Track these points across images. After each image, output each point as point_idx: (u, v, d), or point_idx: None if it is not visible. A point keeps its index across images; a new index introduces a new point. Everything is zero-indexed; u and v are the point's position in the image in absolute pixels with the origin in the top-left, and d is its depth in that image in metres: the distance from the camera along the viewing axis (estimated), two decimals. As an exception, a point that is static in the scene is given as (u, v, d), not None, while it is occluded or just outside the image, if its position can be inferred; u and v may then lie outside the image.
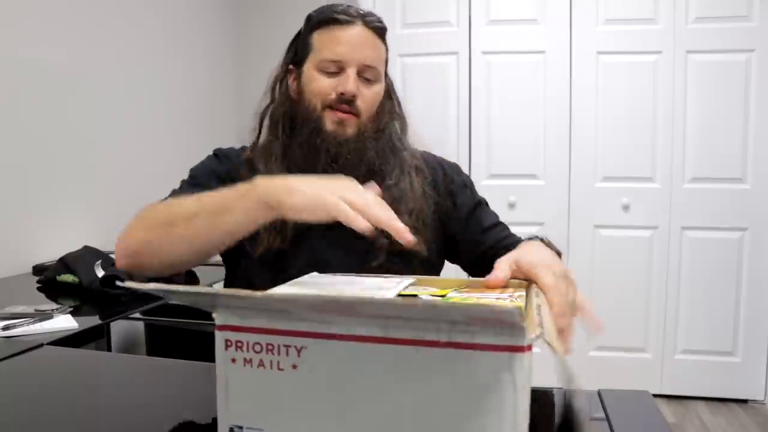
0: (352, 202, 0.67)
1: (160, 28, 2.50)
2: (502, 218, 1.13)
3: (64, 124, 1.99)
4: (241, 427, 0.50)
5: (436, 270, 1.09)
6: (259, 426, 0.50)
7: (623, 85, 2.72)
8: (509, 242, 1.04)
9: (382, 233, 0.98)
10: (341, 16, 1.01)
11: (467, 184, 1.13)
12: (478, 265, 1.05)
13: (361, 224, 0.65)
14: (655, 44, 2.68)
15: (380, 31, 1.04)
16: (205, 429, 0.65)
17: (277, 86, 1.08)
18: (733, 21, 2.61)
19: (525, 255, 0.71)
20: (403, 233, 0.67)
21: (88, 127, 2.10)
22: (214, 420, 0.52)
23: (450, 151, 2.67)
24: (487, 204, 1.13)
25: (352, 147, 1.01)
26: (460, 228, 1.08)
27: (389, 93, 1.10)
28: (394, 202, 1.00)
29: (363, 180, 1.00)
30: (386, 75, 1.09)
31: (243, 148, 1.10)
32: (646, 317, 2.79)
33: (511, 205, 2.79)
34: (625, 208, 2.76)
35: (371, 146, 1.02)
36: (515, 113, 2.82)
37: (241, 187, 0.76)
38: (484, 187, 1.20)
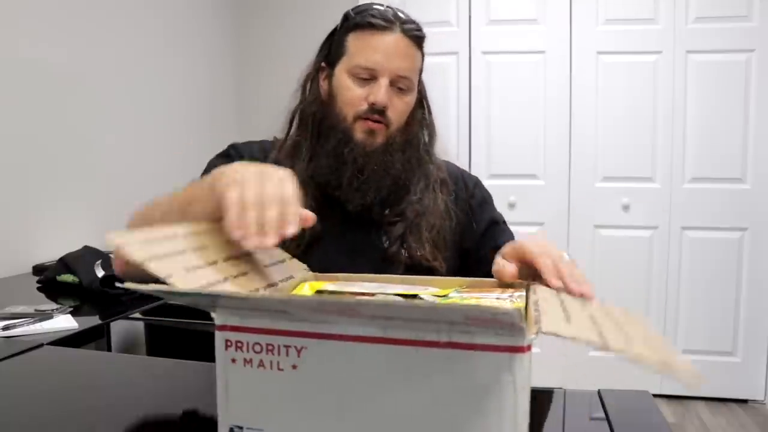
0: (245, 199, 0.60)
1: (160, 28, 2.50)
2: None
3: (64, 124, 1.99)
4: (241, 428, 0.50)
5: None
6: (259, 426, 0.50)
7: (623, 85, 2.72)
8: None
9: (401, 246, 0.98)
10: (378, 21, 0.97)
11: (487, 200, 1.12)
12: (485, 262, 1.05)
13: (235, 234, 0.59)
14: (655, 44, 2.68)
15: (418, 39, 1.01)
16: (205, 429, 0.65)
17: (308, 85, 1.06)
18: (733, 21, 2.61)
19: (520, 241, 0.71)
20: (303, 218, 0.63)
21: (88, 127, 2.09)
22: (214, 420, 0.52)
23: (450, 151, 2.66)
24: (504, 222, 1.11)
25: (379, 159, 0.99)
26: (473, 243, 1.06)
27: (421, 101, 1.08)
28: (417, 216, 1.00)
29: (388, 192, 1.00)
30: (419, 81, 1.07)
31: (262, 142, 1.08)
32: (646, 317, 2.78)
33: (511, 205, 2.79)
34: (625, 208, 2.76)
35: (398, 159, 1.01)
36: (515, 113, 2.82)
37: (206, 178, 0.72)
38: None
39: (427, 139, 1.08)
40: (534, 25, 2.78)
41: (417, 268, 0.96)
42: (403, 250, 0.98)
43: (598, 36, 2.73)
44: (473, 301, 0.59)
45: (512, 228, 1.11)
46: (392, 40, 0.97)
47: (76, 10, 2.04)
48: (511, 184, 2.80)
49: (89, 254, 1.67)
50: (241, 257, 0.61)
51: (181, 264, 0.53)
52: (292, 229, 0.60)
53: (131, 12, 2.31)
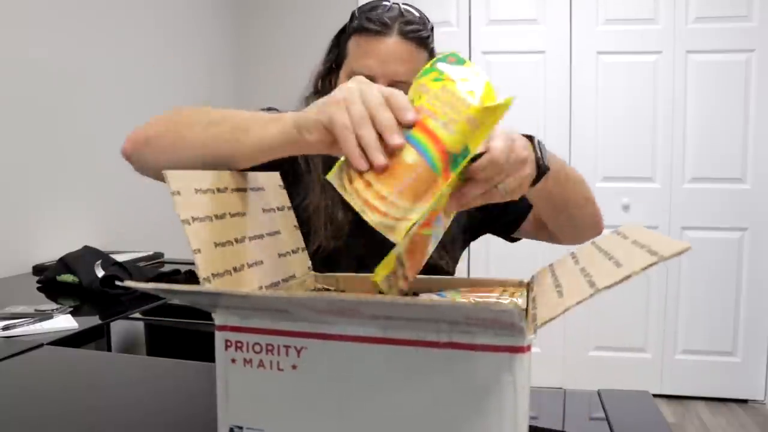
0: (341, 122, 0.56)
1: (160, 28, 2.50)
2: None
3: (64, 124, 1.99)
4: (241, 428, 0.50)
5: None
6: (259, 426, 0.50)
7: (623, 85, 2.73)
8: (523, 207, 1.03)
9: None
10: (374, 26, 0.96)
11: None
12: (504, 231, 1.09)
13: (358, 165, 0.55)
14: (655, 44, 2.68)
15: (419, 40, 0.98)
16: (205, 429, 0.65)
17: (319, 83, 1.06)
18: (733, 21, 2.61)
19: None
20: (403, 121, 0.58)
21: (88, 127, 2.09)
22: (214, 420, 0.52)
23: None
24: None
25: None
26: (486, 215, 1.06)
27: None
28: None
29: None
30: None
31: None
32: (646, 317, 2.79)
33: (511, 205, 2.80)
34: (625, 208, 2.76)
35: None
36: (515, 113, 2.79)
37: (272, 113, 0.68)
38: (484, 187, 1.19)
39: None
40: (534, 25, 2.79)
41: (427, 267, 0.96)
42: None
43: (598, 36, 2.73)
44: (473, 301, 0.59)
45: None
46: (388, 44, 0.96)
47: (76, 11, 2.04)
48: (511, 184, 2.80)
49: (89, 254, 1.67)
50: (265, 237, 0.64)
51: (213, 235, 0.55)
52: (410, 116, 0.58)
53: (131, 12, 2.31)
